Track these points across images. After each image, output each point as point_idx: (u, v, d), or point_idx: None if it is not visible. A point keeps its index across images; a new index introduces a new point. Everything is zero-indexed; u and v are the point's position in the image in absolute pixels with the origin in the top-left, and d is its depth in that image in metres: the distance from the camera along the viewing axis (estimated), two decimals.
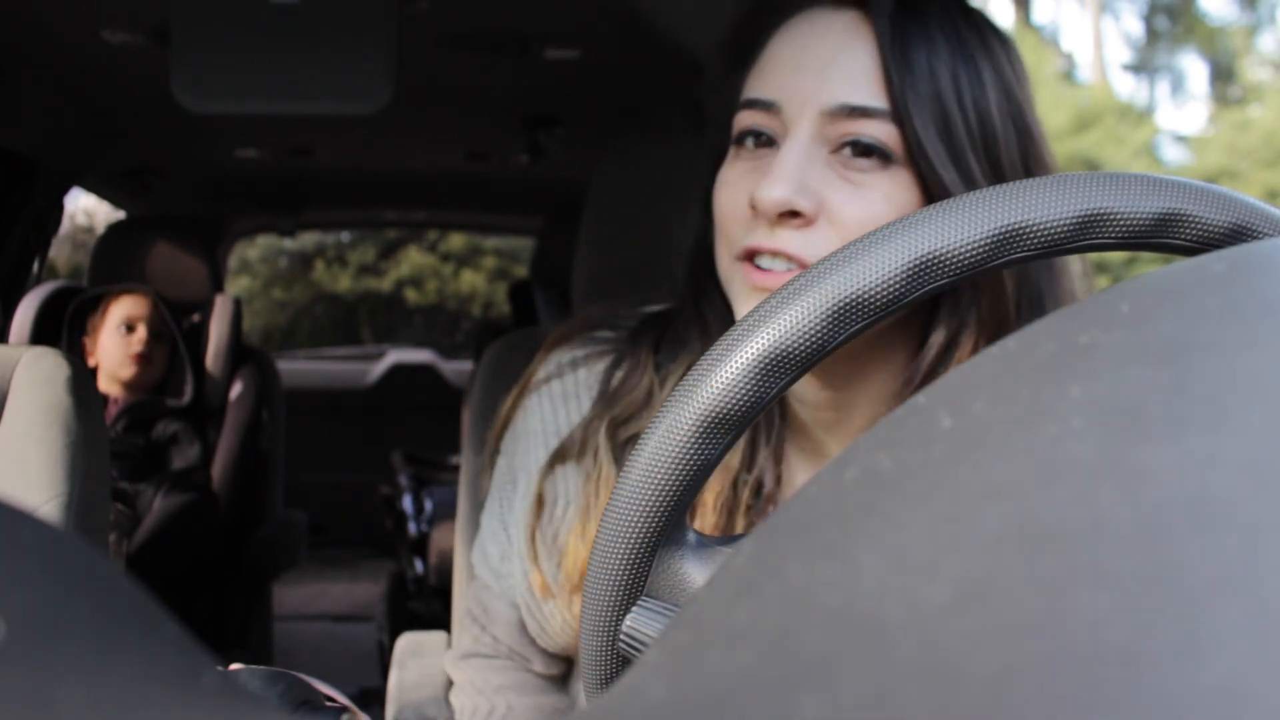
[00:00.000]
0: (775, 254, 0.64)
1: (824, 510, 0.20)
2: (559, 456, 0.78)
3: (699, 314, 0.77)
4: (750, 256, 0.66)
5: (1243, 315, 0.21)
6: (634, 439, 0.74)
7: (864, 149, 0.64)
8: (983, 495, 0.17)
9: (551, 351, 0.84)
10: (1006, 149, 0.67)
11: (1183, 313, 0.22)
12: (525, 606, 0.82)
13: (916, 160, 0.64)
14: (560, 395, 0.82)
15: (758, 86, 0.68)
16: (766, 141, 0.68)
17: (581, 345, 0.84)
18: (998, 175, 0.67)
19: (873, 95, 0.64)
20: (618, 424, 0.75)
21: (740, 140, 0.69)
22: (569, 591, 0.77)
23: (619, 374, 0.80)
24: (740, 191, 0.67)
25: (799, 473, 0.76)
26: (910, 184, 0.65)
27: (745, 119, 0.68)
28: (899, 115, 0.64)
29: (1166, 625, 0.13)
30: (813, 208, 0.63)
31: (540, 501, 0.79)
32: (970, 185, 0.65)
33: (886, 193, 0.65)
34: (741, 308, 0.68)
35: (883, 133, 0.64)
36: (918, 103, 0.64)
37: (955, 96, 0.65)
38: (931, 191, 0.65)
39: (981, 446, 0.19)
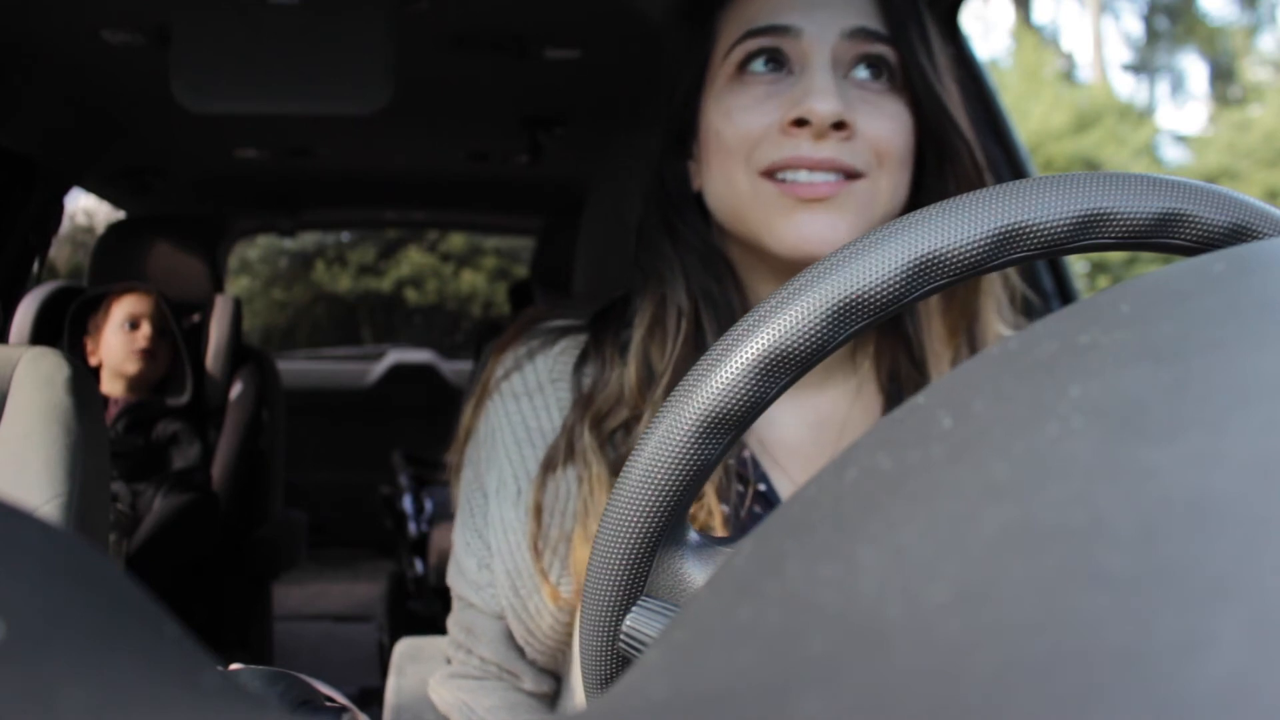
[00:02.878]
0: (818, 166, 0.70)
1: (824, 510, 0.20)
2: (548, 465, 0.77)
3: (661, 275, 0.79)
4: (778, 171, 0.71)
5: (1243, 315, 0.21)
6: (619, 431, 0.75)
7: (875, 67, 0.73)
8: (983, 495, 0.17)
9: (503, 353, 0.83)
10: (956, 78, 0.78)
11: (1183, 313, 0.22)
12: (511, 610, 0.79)
13: (911, 77, 0.73)
14: (523, 391, 0.81)
15: (768, 14, 0.73)
16: (777, 67, 0.73)
17: (532, 337, 0.83)
18: (961, 101, 0.76)
19: (877, 22, 0.73)
20: (600, 419, 0.76)
21: (745, 66, 0.73)
22: (577, 594, 0.75)
23: (588, 372, 0.80)
24: (759, 114, 0.72)
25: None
26: (906, 107, 0.74)
27: (758, 43, 0.73)
28: (897, 37, 0.73)
29: (1166, 625, 0.13)
30: (851, 120, 0.70)
31: (539, 511, 0.77)
32: (950, 104, 0.74)
33: (894, 112, 0.73)
34: (779, 222, 0.71)
35: (885, 53, 0.73)
36: (911, 26, 0.73)
37: (931, 22, 0.75)
38: (924, 109, 0.73)
39: (981, 446, 0.19)
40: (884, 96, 0.73)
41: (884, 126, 0.72)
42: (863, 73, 0.73)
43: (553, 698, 0.86)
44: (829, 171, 0.70)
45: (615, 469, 0.74)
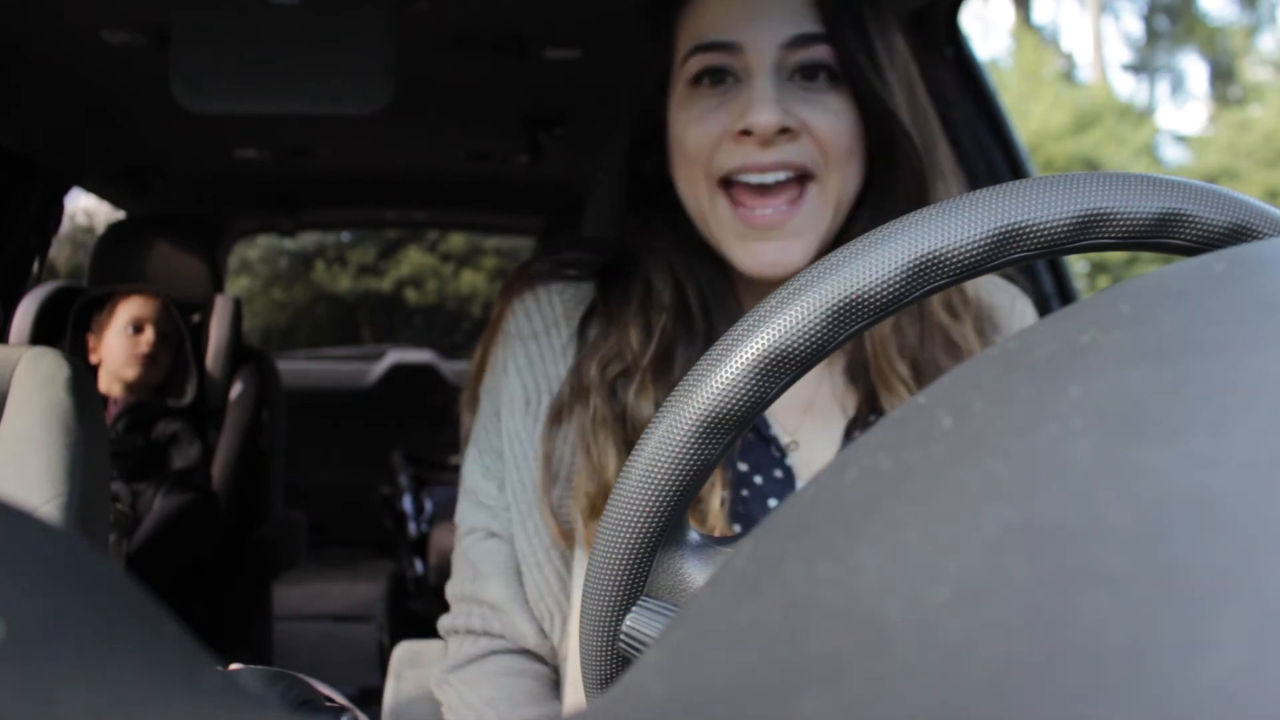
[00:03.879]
0: (768, 169, 0.75)
1: (824, 510, 0.20)
2: (556, 415, 0.82)
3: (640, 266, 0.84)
4: (730, 180, 0.76)
5: (1243, 315, 0.21)
6: (622, 376, 0.81)
7: (814, 69, 0.77)
8: (983, 495, 0.17)
9: (510, 292, 0.89)
10: (912, 72, 0.81)
11: (1183, 313, 0.22)
12: (523, 533, 0.83)
13: (850, 74, 0.77)
14: (536, 314, 0.86)
15: (712, 30, 0.77)
16: (724, 78, 0.77)
17: (538, 276, 0.88)
18: (912, 97, 0.79)
19: (814, 24, 0.77)
20: (605, 363, 0.81)
21: (697, 80, 0.78)
22: (585, 521, 0.79)
23: (594, 324, 0.85)
24: (712, 124, 0.77)
25: None
26: (851, 101, 0.77)
27: (705, 60, 0.78)
28: (834, 36, 0.76)
29: (1167, 625, 0.13)
30: (795, 124, 0.75)
31: (549, 460, 0.81)
32: (891, 99, 0.77)
33: (839, 108, 0.77)
34: (735, 247, 0.77)
35: (825, 54, 0.77)
36: (848, 25, 0.77)
37: (873, 20, 0.78)
38: (865, 105, 0.77)
39: (981, 446, 0.19)
40: (827, 95, 0.77)
41: (826, 123, 0.76)
42: (807, 74, 0.77)
43: (553, 685, 0.86)
44: (779, 171, 0.76)
45: (618, 416, 0.80)
